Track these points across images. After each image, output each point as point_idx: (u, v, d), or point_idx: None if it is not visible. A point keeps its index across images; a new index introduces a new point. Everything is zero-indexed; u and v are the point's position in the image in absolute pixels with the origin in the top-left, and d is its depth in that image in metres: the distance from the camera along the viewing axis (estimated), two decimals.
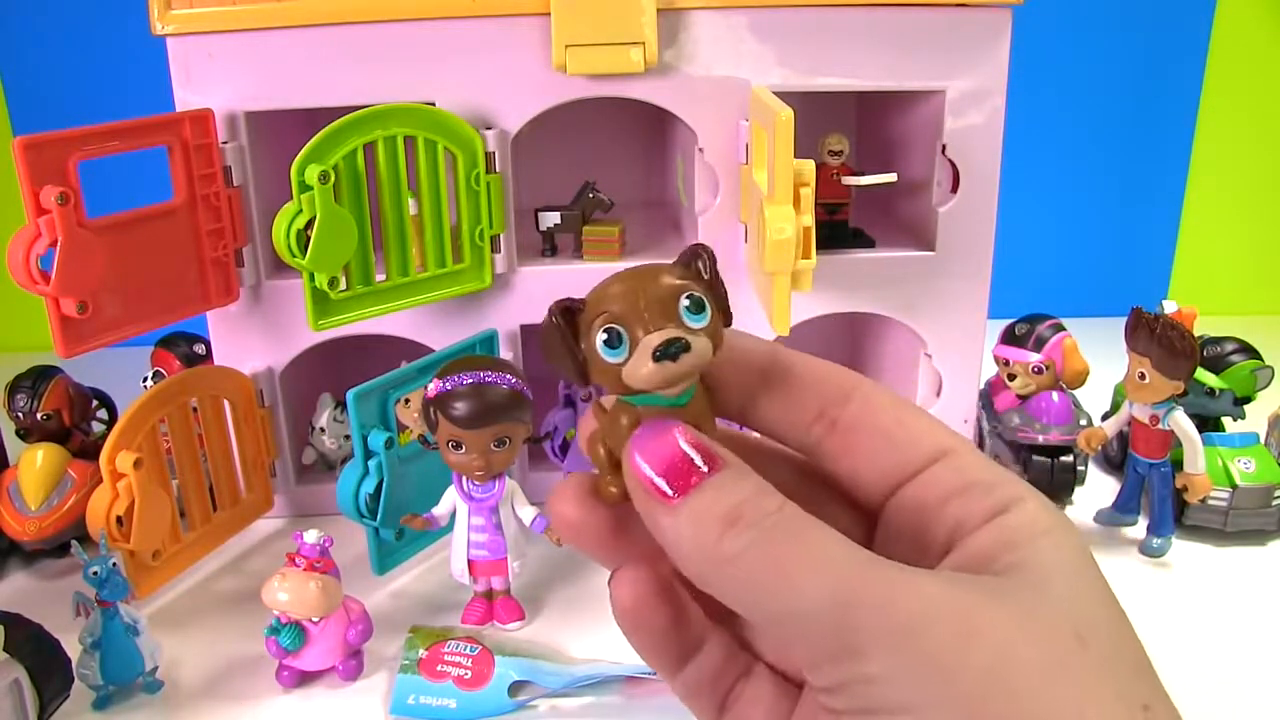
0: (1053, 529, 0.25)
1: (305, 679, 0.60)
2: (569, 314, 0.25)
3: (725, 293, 0.26)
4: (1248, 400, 0.80)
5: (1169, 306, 0.78)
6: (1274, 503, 0.72)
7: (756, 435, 0.29)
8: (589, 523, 0.26)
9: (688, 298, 0.25)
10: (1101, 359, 0.81)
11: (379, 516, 0.65)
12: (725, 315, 0.26)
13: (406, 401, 0.67)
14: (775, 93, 0.65)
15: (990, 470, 0.26)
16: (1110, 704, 0.22)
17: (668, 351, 0.24)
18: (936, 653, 0.22)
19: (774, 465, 0.28)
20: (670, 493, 0.24)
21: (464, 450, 0.60)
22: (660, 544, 0.24)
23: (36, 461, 0.72)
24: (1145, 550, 0.72)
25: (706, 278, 0.26)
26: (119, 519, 0.62)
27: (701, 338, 0.24)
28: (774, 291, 0.61)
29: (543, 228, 0.78)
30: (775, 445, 0.28)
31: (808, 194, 0.60)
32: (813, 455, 0.28)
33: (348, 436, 0.79)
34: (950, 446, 0.26)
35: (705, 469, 0.24)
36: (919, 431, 0.27)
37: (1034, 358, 0.77)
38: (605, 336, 0.24)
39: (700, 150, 0.74)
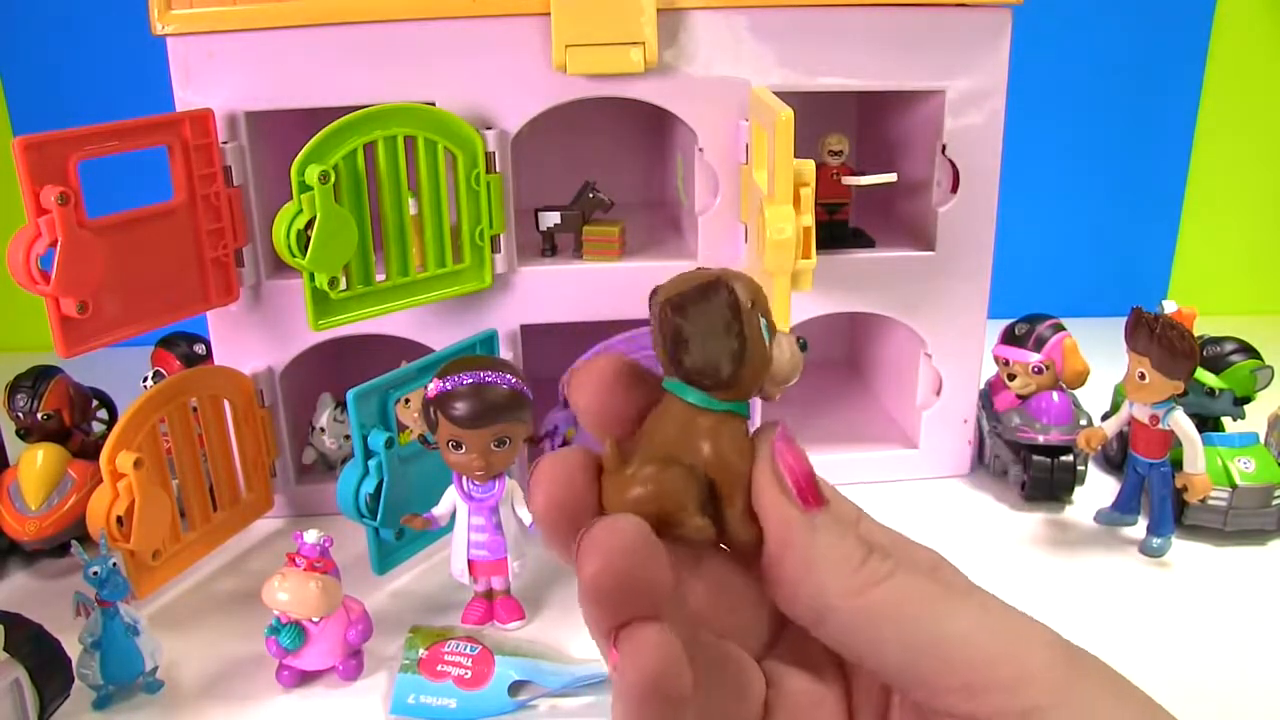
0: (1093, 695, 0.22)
1: (305, 679, 0.60)
2: (711, 288, 0.23)
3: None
4: (1247, 400, 0.80)
5: (1169, 306, 0.78)
6: (1274, 503, 0.72)
7: None
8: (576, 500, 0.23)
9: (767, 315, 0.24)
10: (1101, 359, 0.81)
11: (379, 516, 0.65)
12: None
13: (406, 401, 0.67)
14: (775, 93, 0.65)
15: (1018, 667, 0.22)
16: None
17: (802, 345, 0.23)
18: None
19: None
20: (806, 504, 0.22)
21: (464, 450, 0.60)
22: (781, 570, 0.22)
23: (36, 461, 0.72)
24: (1145, 550, 0.72)
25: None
26: (119, 519, 0.62)
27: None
28: (774, 291, 0.61)
29: (543, 228, 0.78)
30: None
31: (808, 194, 0.60)
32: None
33: (348, 436, 0.79)
34: (989, 657, 0.22)
35: (819, 496, 0.23)
36: (955, 648, 0.22)
37: (1034, 358, 0.77)
38: (764, 322, 0.23)
39: (700, 150, 0.74)
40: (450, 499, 0.64)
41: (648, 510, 0.22)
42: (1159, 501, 0.71)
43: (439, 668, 0.59)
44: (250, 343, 0.75)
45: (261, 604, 0.57)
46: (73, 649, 0.56)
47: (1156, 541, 0.71)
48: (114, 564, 0.56)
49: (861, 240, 0.80)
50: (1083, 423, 0.77)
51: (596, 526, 0.21)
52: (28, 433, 0.77)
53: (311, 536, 0.58)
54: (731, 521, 0.23)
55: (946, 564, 0.24)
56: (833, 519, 0.22)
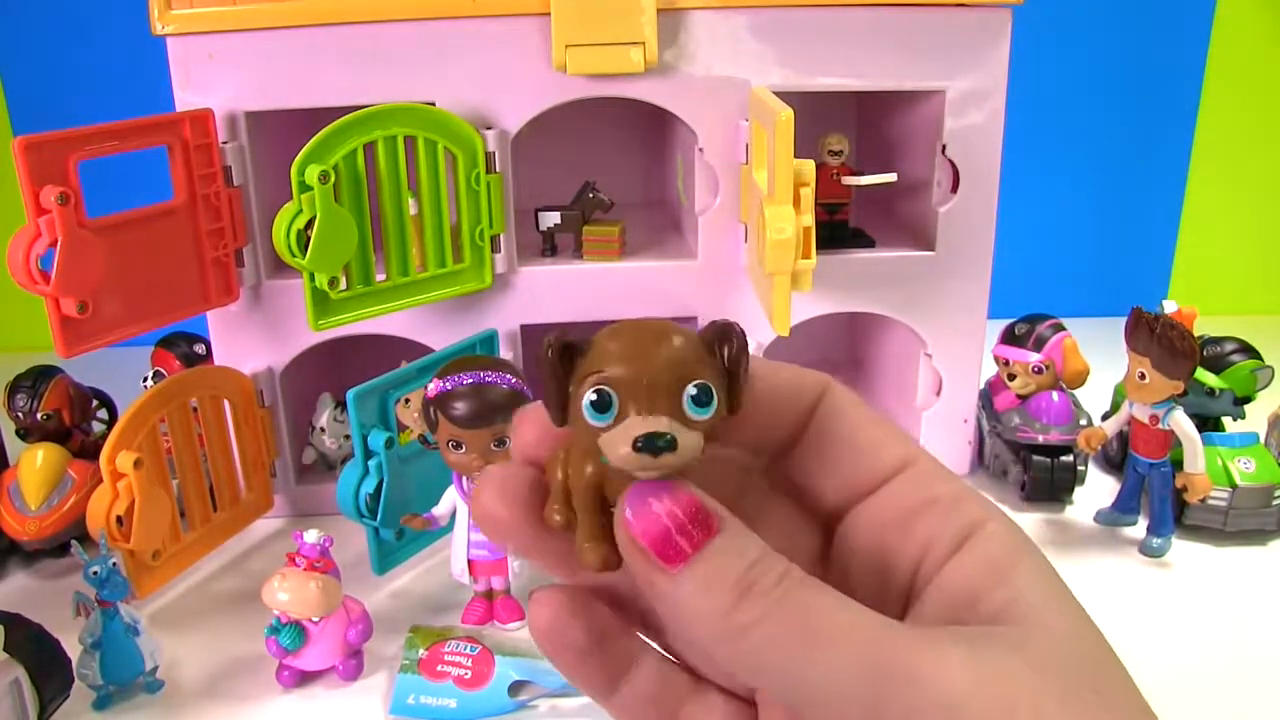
0: (1023, 551, 0.25)
1: (305, 679, 0.60)
2: (568, 353, 0.23)
3: (743, 382, 0.23)
4: (1248, 400, 0.80)
5: (1169, 306, 0.78)
6: (1274, 503, 0.72)
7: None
8: (514, 523, 0.24)
9: (696, 387, 0.22)
10: (1101, 359, 0.81)
11: (379, 516, 0.65)
12: (734, 405, 0.23)
13: (406, 401, 0.67)
14: (775, 93, 0.65)
15: (952, 483, 0.26)
16: None
17: (650, 445, 0.21)
18: None
19: (725, 473, 0.26)
20: (673, 556, 0.22)
21: (464, 450, 0.60)
22: (659, 607, 0.23)
23: (36, 461, 0.72)
24: (1145, 550, 0.72)
25: (726, 365, 0.23)
26: (119, 519, 0.62)
27: (695, 433, 0.22)
28: (774, 291, 0.61)
29: (543, 228, 0.78)
30: (722, 451, 0.26)
31: (808, 194, 0.60)
32: (775, 465, 0.27)
33: (348, 436, 0.79)
34: (911, 458, 0.26)
35: (703, 532, 0.22)
36: (880, 441, 0.26)
37: (1034, 358, 0.77)
38: (594, 398, 0.22)
39: (700, 150, 0.74)
40: (450, 499, 0.64)
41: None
42: (1159, 501, 0.71)
43: (439, 668, 0.59)
44: (250, 343, 0.75)
45: (261, 604, 0.57)
46: (73, 649, 0.56)
47: (1156, 541, 0.71)
48: (114, 564, 0.56)
49: (861, 240, 0.80)
50: (1083, 423, 0.77)
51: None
52: (28, 433, 0.77)
53: (311, 536, 0.58)
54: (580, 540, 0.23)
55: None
56: (703, 567, 0.22)
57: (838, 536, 0.26)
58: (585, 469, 0.23)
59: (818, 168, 0.64)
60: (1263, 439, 0.77)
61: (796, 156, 0.60)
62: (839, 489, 0.26)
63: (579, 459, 0.23)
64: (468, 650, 0.60)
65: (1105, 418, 0.83)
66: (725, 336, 0.23)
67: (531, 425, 0.25)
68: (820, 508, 0.26)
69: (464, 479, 0.63)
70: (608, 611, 0.25)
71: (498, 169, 0.72)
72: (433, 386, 0.60)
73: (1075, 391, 0.79)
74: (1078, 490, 0.79)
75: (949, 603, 0.24)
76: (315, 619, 0.57)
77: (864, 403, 0.27)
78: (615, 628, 0.26)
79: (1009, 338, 0.80)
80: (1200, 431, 0.69)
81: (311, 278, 0.65)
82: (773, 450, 0.27)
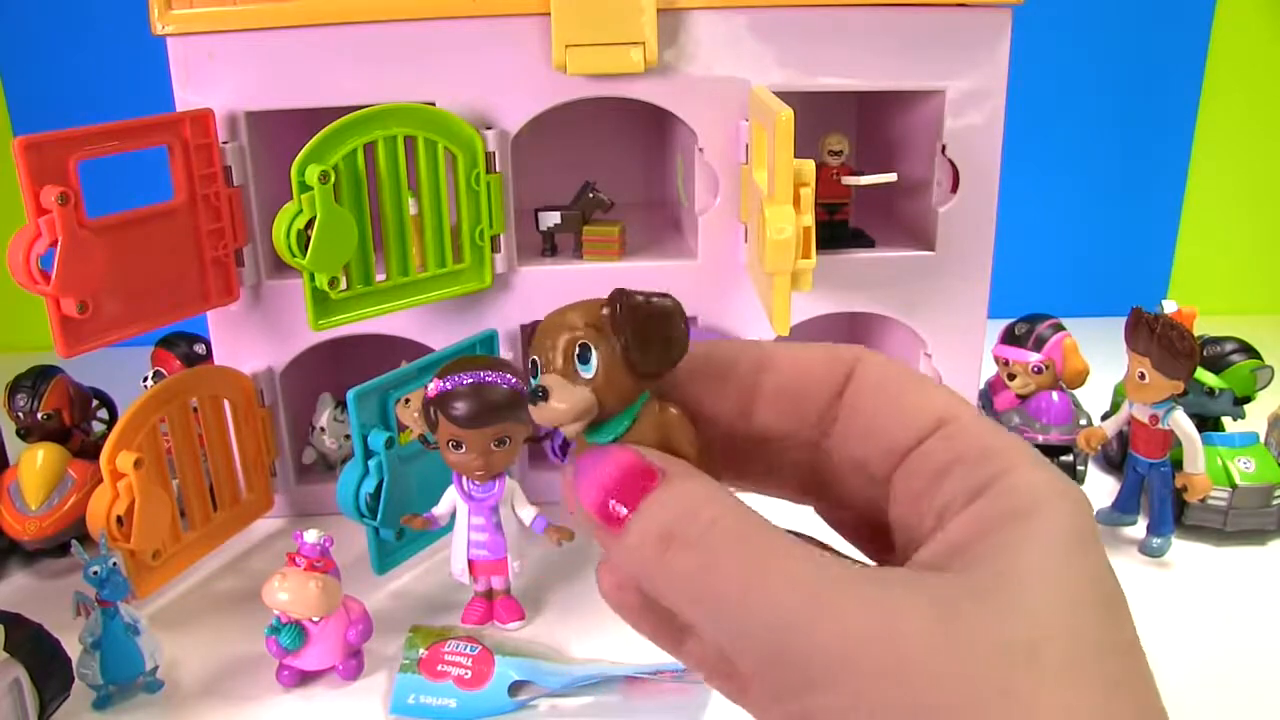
0: (1036, 507, 0.23)
1: (305, 679, 0.60)
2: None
3: (643, 345, 0.25)
4: (1247, 400, 0.80)
5: (1169, 306, 0.78)
6: (1274, 502, 0.72)
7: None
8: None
9: (578, 346, 0.25)
10: (1101, 359, 0.81)
11: (379, 516, 0.65)
12: (650, 364, 0.25)
13: (406, 401, 0.67)
14: (775, 93, 0.65)
15: (983, 438, 0.24)
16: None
17: (532, 398, 0.25)
18: (867, 688, 0.21)
19: (792, 454, 0.27)
20: (620, 514, 0.23)
21: (464, 450, 0.60)
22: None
23: (36, 461, 0.72)
24: (1145, 550, 0.72)
25: (620, 332, 0.25)
26: (119, 519, 0.62)
27: (581, 388, 0.24)
28: (774, 291, 0.61)
29: (543, 228, 0.78)
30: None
31: (808, 194, 0.60)
32: (821, 449, 0.27)
33: (348, 436, 0.79)
34: (945, 416, 0.25)
35: (644, 489, 0.23)
36: (915, 403, 0.25)
37: (1034, 358, 0.77)
38: (530, 367, 0.26)
39: (700, 150, 0.74)
40: (450, 499, 0.64)
41: None
42: (1159, 501, 0.71)
43: (439, 668, 0.59)
44: (250, 343, 0.75)
45: (261, 604, 0.57)
46: (73, 649, 0.56)
47: (1156, 541, 0.71)
48: (114, 564, 0.56)
49: (861, 240, 0.80)
50: (1082, 422, 0.77)
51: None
52: (28, 433, 0.77)
53: (311, 536, 0.58)
54: None
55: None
56: (637, 520, 0.23)
57: (890, 506, 0.26)
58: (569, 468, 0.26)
59: (818, 168, 0.64)
60: (1262, 439, 0.77)
61: (796, 156, 0.60)
62: (882, 456, 0.25)
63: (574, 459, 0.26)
64: (468, 650, 0.60)
65: (1105, 418, 0.83)
66: (611, 300, 0.25)
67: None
68: (875, 479, 0.26)
69: (464, 479, 0.63)
70: None
71: (498, 169, 0.72)
72: (433, 386, 0.60)
73: (1075, 391, 0.79)
74: None
75: (933, 557, 0.23)
76: (315, 619, 0.57)
77: (901, 365, 0.26)
78: None
79: (1009, 338, 0.80)
80: (1200, 431, 0.69)
81: (311, 278, 0.65)
82: (817, 428, 0.27)
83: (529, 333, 0.77)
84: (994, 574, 0.22)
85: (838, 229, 0.79)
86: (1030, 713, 0.20)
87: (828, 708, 0.21)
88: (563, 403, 0.24)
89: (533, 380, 0.25)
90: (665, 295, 0.25)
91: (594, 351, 0.25)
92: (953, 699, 0.20)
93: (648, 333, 0.25)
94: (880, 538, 0.25)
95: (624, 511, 0.23)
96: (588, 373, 0.25)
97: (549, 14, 0.69)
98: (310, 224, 0.64)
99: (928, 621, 0.21)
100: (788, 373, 0.27)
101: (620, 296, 0.25)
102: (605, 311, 0.25)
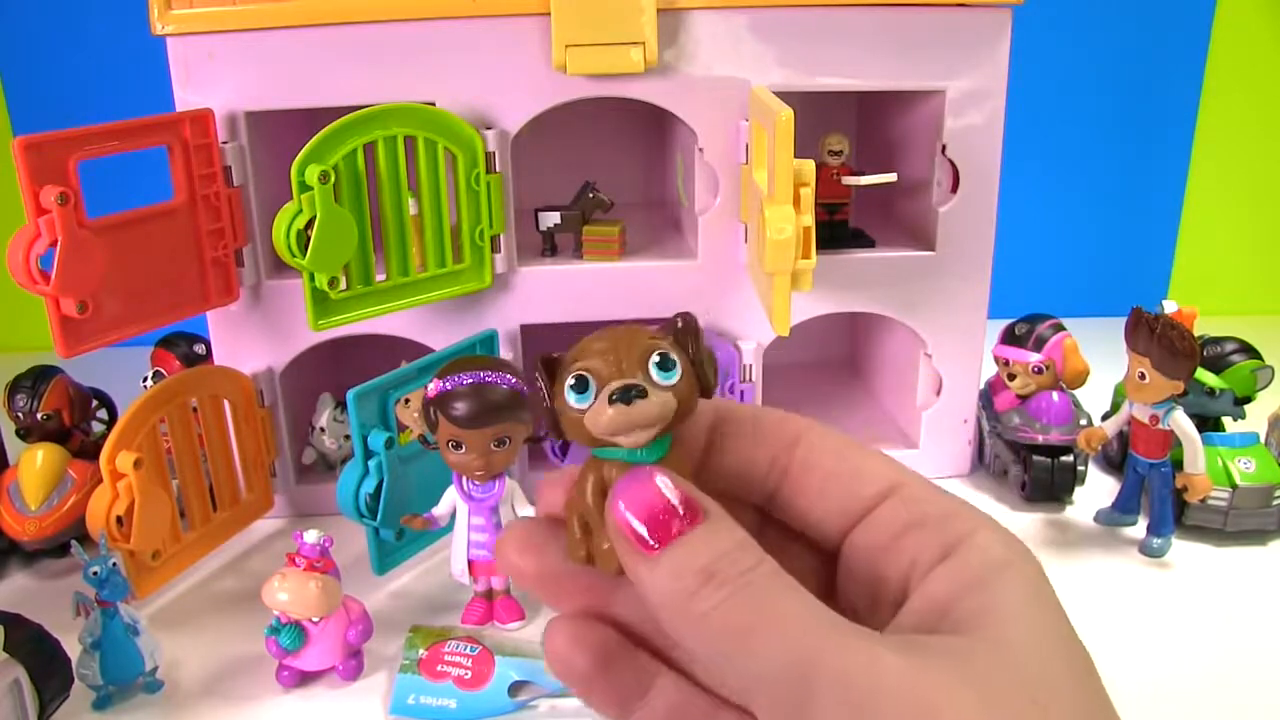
0: (1007, 564, 0.25)
1: (305, 679, 0.60)
2: (549, 365, 0.26)
3: (708, 364, 0.26)
4: (1248, 400, 0.80)
5: (1169, 306, 0.78)
6: (1274, 503, 0.72)
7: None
8: (535, 573, 0.27)
9: (659, 354, 0.25)
10: (1101, 359, 0.81)
11: (379, 516, 0.65)
12: (703, 383, 0.26)
13: (406, 401, 0.67)
14: (775, 93, 0.65)
15: (941, 502, 0.26)
16: None
17: (624, 395, 0.24)
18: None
19: (739, 512, 0.27)
20: (652, 543, 0.24)
21: (464, 450, 0.60)
22: (638, 591, 0.24)
23: (36, 461, 0.72)
24: (1145, 550, 0.72)
25: (688, 349, 0.26)
26: (119, 519, 0.62)
27: (665, 393, 0.25)
28: (774, 291, 0.61)
29: (543, 228, 0.78)
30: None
31: (808, 194, 0.60)
32: (771, 505, 0.28)
33: (348, 436, 0.79)
34: (898, 481, 0.26)
35: (687, 521, 0.24)
36: (865, 469, 0.27)
37: (1034, 358, 0.77)
38: (573, 381, 0.25)
39: (700, 150, 0.74)
40: (450, 499, 0.64)
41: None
42: (1159, 502, 0.71)
43: (439, 668, 0.59)
44: (250, 343, 0.75)
45: (261, 604, 0.57)
46: (73, 649, 0.56)
47: (1157, 541, 0.71)
48: (114, 564, 0.56)
49: (861, 240, 0.80)
50: (1083, 423, 0.77)
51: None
52: (28, 433, 0.77)
53: (311, 536, 0.58)
54: (596, 551, 0.26)
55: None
56: (676, 552, 0.24)
57: (839, 568, 0.27)
58: (588, 480, 0.26)
59: (818, 168, 0.64)
60: (1263, 439, 0.77)
61: (796, 156, 0.60)
62: (830, 519, 0.27)
63: (583, 476, 0.26)
64: (468, 650, 0.60)
65: (1105, 418, 0.83)
66: (681, 323, 0.26)
67: (552, 486, 0.27)
68: (823, 543, 0.27)
69: (464, 479, 0.63)
70: (617, 637, 0.27)
71: (498, 169, 0.72)
72: (433, 386, 0.60)
73: (1075, 391, 0.79)
74: (1078, 490, 0.79)
75: (922, 613, 0.24)
76: (315, 619, 0.57)
77: (845, 437, 0.28)
78: (625, 653, 0.27)
79: (1009, 338, 0.80)
80: (1200, 431, 0.69)
81: (311, 278, 0.65)
82: (766, 490, 0.28)
83: (530, 333, 0.77)
84: (993, 633, 0.23)
85: (838, 229, 0.79)
86: None
87: None
88: (656, 406, 0.24)
89: (583, 396, 0.25)
90: (692, 316, 0.27)
91: (677, 361, 0.25)
92: None
93: (705, 358, 0.26)
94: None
95: (673, 532, 0.24)
96: (668, 380, 0.25)
97: (549, 14, 0.69)
98: (310, 224, 0.64)
99: (950, 676, 0.22)
100: (747, 428, 0.28)
101: (689, 320, 0.27)
102: (679, 325, 0.26)
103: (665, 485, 0.24)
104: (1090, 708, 0.23)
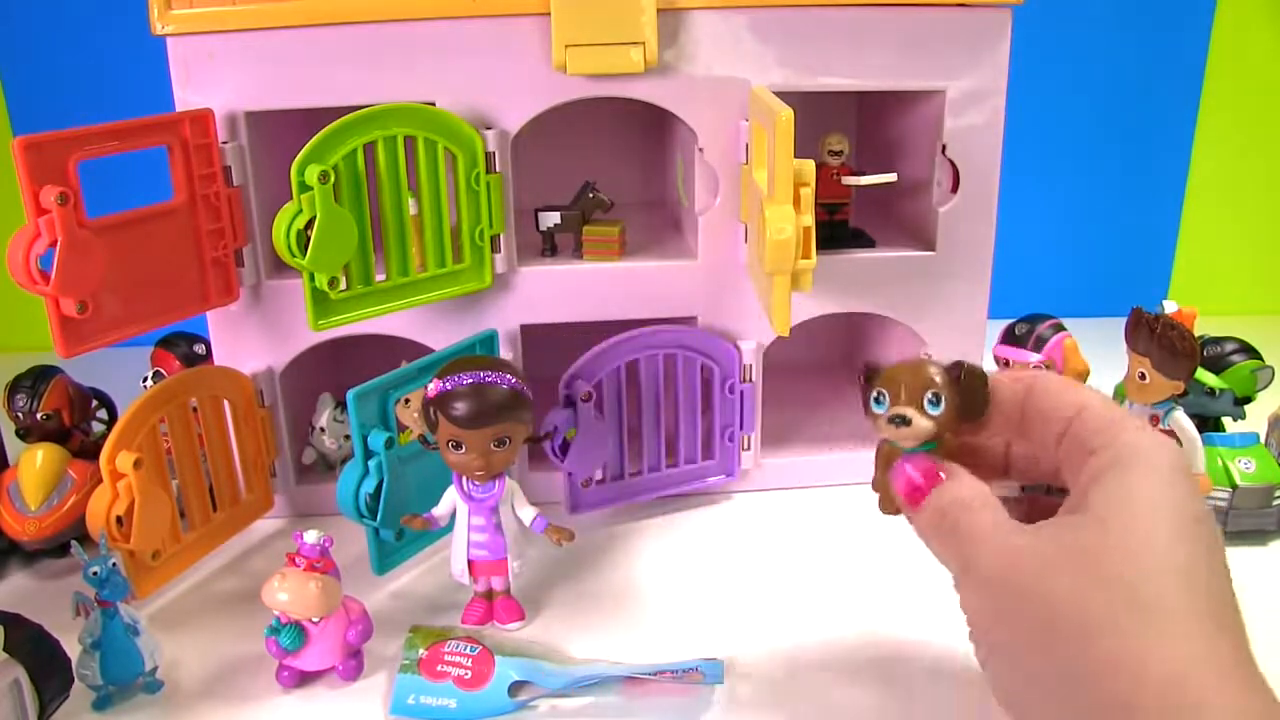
0: (1133, 457, 0.38)
1: (305, 679, 0.60)
2: (870, 374, 0.45)
3: (979, 397, 0.44)
4: (1248, 400, 0.80)
5: (1169, 306, 0.78)
6: (1274, 503, 0.72)
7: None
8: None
9: (933, 394, 0.43)
10: (1101, 359, 0.81)
11: (379, 516, 0.65)
12: (966, 413, 0.44)
13: (406, 401, 0.67)
14: (775, 93, 0.65)
15: (1107, 414, 0.40)
16: (1163, 651, 0.33)
17: (895, 419, 0.43)
18: (1015, 599, 0.37)
19: (988, 466, 0.49)
20: (909, 505, 0.44)
21: (464, 450, 0.60)
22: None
23: (36, 461, 0.72)
24: None
25: (960, 386, 0.43)
26: (119, 519, 0.62)
27: (927, 421, 0.43)
28: (774, 291, 0.61)
29: (543, 228, 0.78)
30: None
31: (808, 194, 0.60)
32: (1011, 445, 0.48)
33: (348, 436, 0.79)
34: (1081, 403, 0.41)
35: (931, 484, 0.43)
36: (1067, 398, 0.42)
37: (1034, 358, 0.77)
38: (876, 395, 0.44)
39: (700, 150, 0.74)
40: (450, 499, 0.63)
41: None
42: None
43: (439, 668, 0.59)
44: (250, 343, 0.75)
45: (261, 604, 0.57)
46: (73, 649, 0.56)
47: None
48: (114, 564, 0.56)
49: (861, 240, 0.80)
50: None
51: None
52: (27, 433, 0.77)
53: (311, 536, 0.58)
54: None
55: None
56: (927, 502, 0.43)
57: (1060, 474, 0.43)
58: (881, 458, 0.47)
59: (818, 168, 0.64)
60: (1263, 439, 0.77)
61: (796, 156, 0.60)
62: (1051, 440, 0.42)
63: (879, 454, 0.48)
64: (468, 650, 0.60)
65: None
66: (960, 370, 0.44)
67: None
68: (1049, 453, 0.43)
69: (464, 479, 0.63)
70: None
71: (498, 169, 0.72)
72: (433, 387, 0.60)
73: None
74: None
75: (1073, 501, 0.39)
76: (315, 619, 0.57)
77: (1058, 378, 0.44)
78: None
79: (1009, 338, 0.80)
80: (1200, 432, 0.69)
81: (311, 278, 0.65)
82: (1016, 429, 0.45)
83: (530, 333, 0.77)
84: (1098, 518, 0.37)
85: (838, 229, 0.79)
86: (1140, 660, 0.33)
87: (980, 608, 0.40)
88: (916, 429, 0.43)
89: (880, 406, 0.44)
90: (976, 367, 0.44)
91: (944, 401, 0.43)
92: (1077, 613, 0.34)
93: (976, 395, 0.44)
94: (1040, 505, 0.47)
95: (920, 497, 0.43)
96: (934, 411, 0.43)
97: (549, 14, 0.69)
98: (310, 224, 0.64)
99: (1061, 552, 0.36)
100: (1035, 410, 0.44)
101: (965, 367, 0.44)
102: (953, 375, 0.43)
103: (912, 471, 0.44)
104: (1193, 584, 0.34)
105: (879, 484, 0.47)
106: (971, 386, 0.43)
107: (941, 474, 0.42)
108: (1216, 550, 0.35)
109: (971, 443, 0.48)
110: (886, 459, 0.46)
